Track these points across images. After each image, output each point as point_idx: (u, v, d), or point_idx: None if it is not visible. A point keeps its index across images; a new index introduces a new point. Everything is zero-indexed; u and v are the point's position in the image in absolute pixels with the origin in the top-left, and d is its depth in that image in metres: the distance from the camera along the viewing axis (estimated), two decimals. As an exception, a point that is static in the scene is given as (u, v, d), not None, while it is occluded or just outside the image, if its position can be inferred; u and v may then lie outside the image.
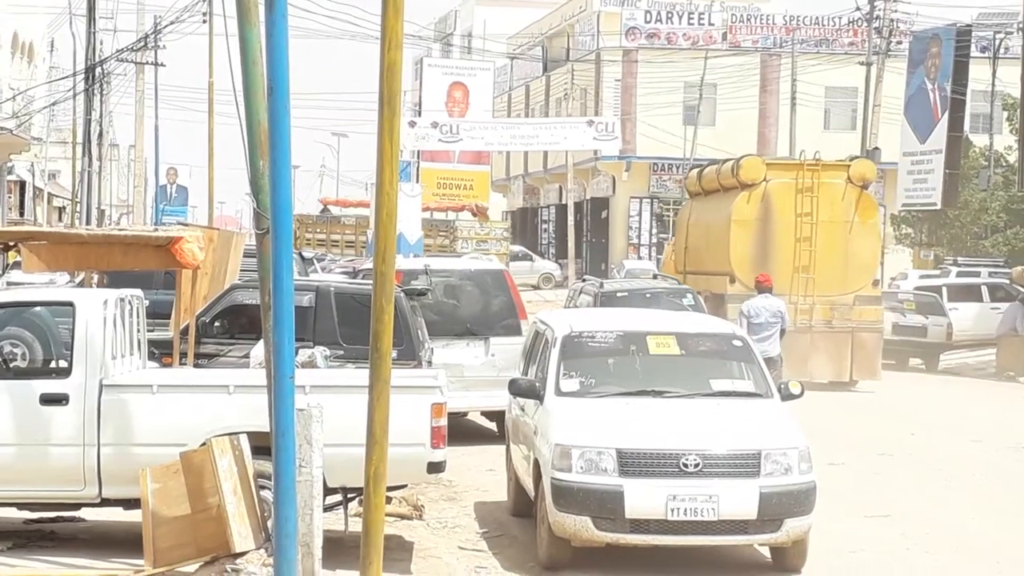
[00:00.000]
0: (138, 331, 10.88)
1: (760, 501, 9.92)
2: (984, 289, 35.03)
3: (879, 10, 44.69)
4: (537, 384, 11.17)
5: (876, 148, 43.16)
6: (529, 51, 70.08)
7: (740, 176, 24.67)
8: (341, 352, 13.72)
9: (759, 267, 22.64)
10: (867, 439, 18.04)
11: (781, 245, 23.97)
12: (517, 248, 63.12)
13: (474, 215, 47.79)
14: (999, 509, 13.27)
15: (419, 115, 58.66)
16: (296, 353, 10.93)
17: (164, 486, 9.23)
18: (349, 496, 10.16)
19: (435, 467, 10.08)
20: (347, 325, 14.19)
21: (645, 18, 58.80)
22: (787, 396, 11.06)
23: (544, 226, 68.68)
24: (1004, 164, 44.87)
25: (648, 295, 21.19)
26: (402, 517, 11.71)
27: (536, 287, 50.88)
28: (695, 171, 29.60)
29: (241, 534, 8.98)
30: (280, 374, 7.18)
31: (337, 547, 9.71)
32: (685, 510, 9.87)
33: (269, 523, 8.59)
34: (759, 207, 24.24)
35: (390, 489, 9.62)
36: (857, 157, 30.08)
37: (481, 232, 46.27)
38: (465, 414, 17.40)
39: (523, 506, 11.76)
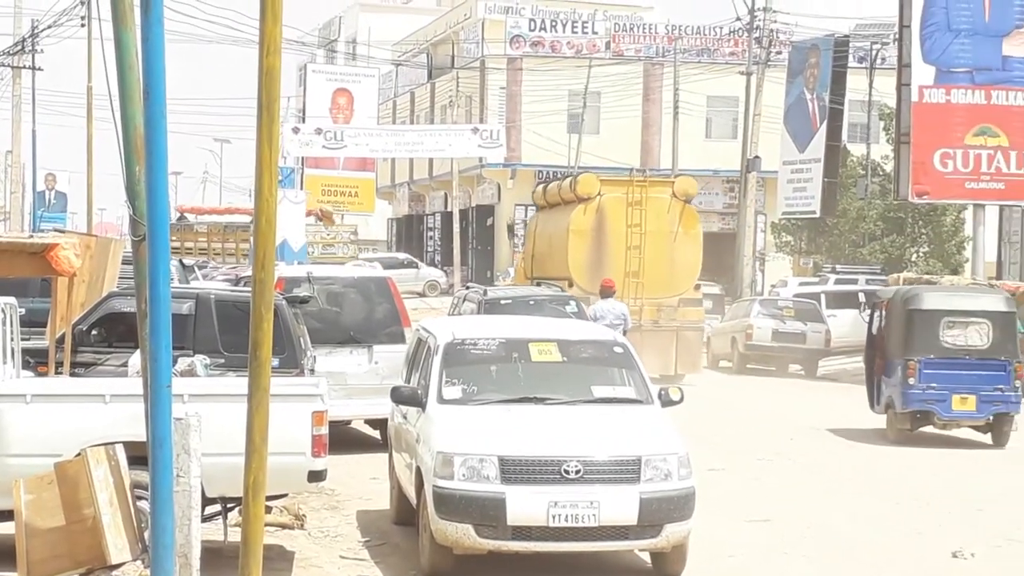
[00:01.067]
0: (12, 339, 10.68)
1: (640, 507, 9.99)
2: (861, 296, 35.67)
3: (759, 20, 45.28)
4: (419, 392, 11.15)
5: (757, 157, 43.71)
6: (414, 58, 70.02)
7: (577, 191, 26.93)
8: (222, 360, 13.57)
9: (595, 273, 24.94)
10: (747, 444, 18.27)
11: (614, 253, 26.27)
12: (403, 255, 63.02)
13: (319, 219, 47.74)
14: (875, 511, 13.50)
15: (303, 121, 58.33)
16: (175, 362, 10.81)
17: (38, 497, 9.06)
18: (228, 506, 10.06)
19: (316, 476, 10.02)
20: (228, 333, 14.04)
21: (529, 26, 59.05)
22: (667, 402, 11.15)
23: (430, 233, 68.63)
24: (881, 173, 45.69)
25: (531, 302, 21.27)
26: (283, 527, 11.62)
27: (422, 294, 50.83)
28: (541, 186, 31.49)
29: (117, 546, 8.84)
30: (157, 383, 7.07)
31: (216, 557, 9.60)
32: (566, 516, 9.91)
33: (146, 534, 8.47)
34: (594, 219, 26.62)
35: (270, 499, 9.56)
36: (681, 174, 32.54)
37: (327, 236, 46.70)
38: (348, 422, 17.31)
39: (406, 514, 11.72)
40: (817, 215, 41.80)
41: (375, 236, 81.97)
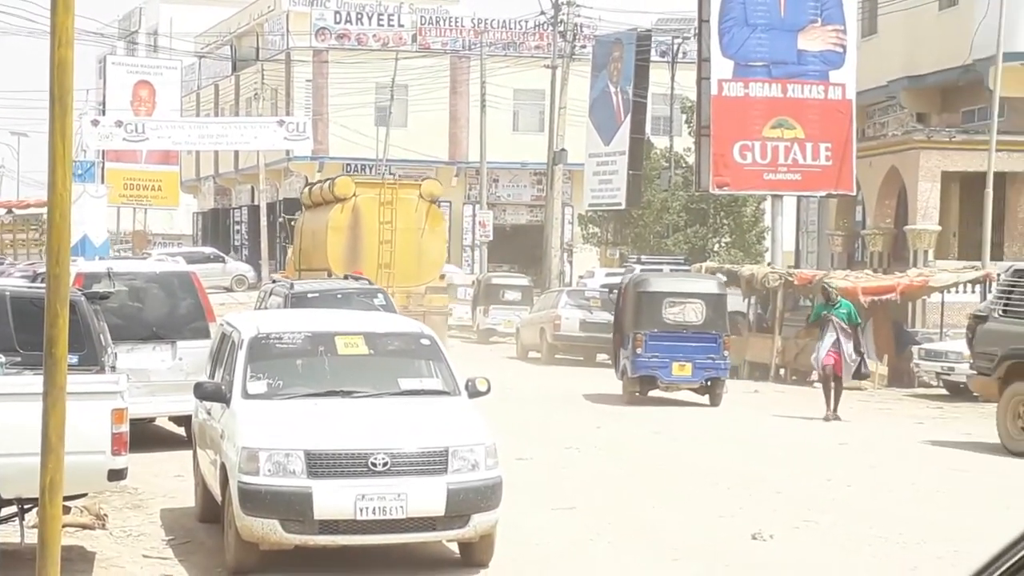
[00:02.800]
0: None
1: (448, 498, 10.02)
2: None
3: (563, 15, 45.75)
4: (223, 387, 11.01)
5: (563, 149, 44.22)
6: (218, 50, 69.01)
7: (335, 192, 30.08)
8: (19, 359, 13.17)
9: (350, 264, 27.94)
10: (555, 433, 18.48)
11: (368, 247, 29.36)
12: (208, 250, 62.09)
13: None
14: (677, 496, 13.78)
15: (103, 114, 57.08)
16: (-32, 361, 10.51)
17: None
18: (25, 507, 9.81)
19: (116, 474, 9.82)
20: (25, 331, 13.61)
21: (335, 19, 58.69)
22: (474, 393, 11.20)
23: (237, 227, 67.78)
24: (684, 165, 46.61)
25: (339, 296, 21.17)
26: (83, 527, 11.37)
27: (229, 289, 50.17)
28: (307, 188, 34.40)
29: (-92, 551, 8.55)
30: (-54, 382, 6.87)
31: (14, 560, 9.37)
32: (374, 509, 9.90)
33: (-62, 539, 8.21)
34: (350, 216, 29.64)
35: (69, 499, 9.34)
36: (427, 178, 35.21)
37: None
38: (152, 420, 17.01)
39: (211, 512, 11.57)
40: (623, 207, 42.49)
41: (180, 231, 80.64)
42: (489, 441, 10.39)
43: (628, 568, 10.62)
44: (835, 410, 20.75)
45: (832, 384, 20.83)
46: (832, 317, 20.76)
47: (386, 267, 29.11)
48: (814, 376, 27.07)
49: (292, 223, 35.61)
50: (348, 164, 57.92)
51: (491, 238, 51.12)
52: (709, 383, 22.25)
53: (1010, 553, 3.98)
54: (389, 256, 29.31)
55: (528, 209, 59.29)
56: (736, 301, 31.39)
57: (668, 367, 21.93)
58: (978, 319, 18.35)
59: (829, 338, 20.67)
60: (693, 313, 22.33)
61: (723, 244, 46.80)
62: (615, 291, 25.00)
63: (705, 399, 22.46)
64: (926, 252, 32.82)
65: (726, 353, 22.42)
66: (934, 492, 14.41)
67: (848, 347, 20.68)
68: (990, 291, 24.42)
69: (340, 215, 29.77)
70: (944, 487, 14.74)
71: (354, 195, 29.76)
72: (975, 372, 18.62)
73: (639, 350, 21.97)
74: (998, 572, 4.34)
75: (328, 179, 32.86)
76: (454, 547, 10.81)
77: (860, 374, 21.59)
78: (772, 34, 32.78)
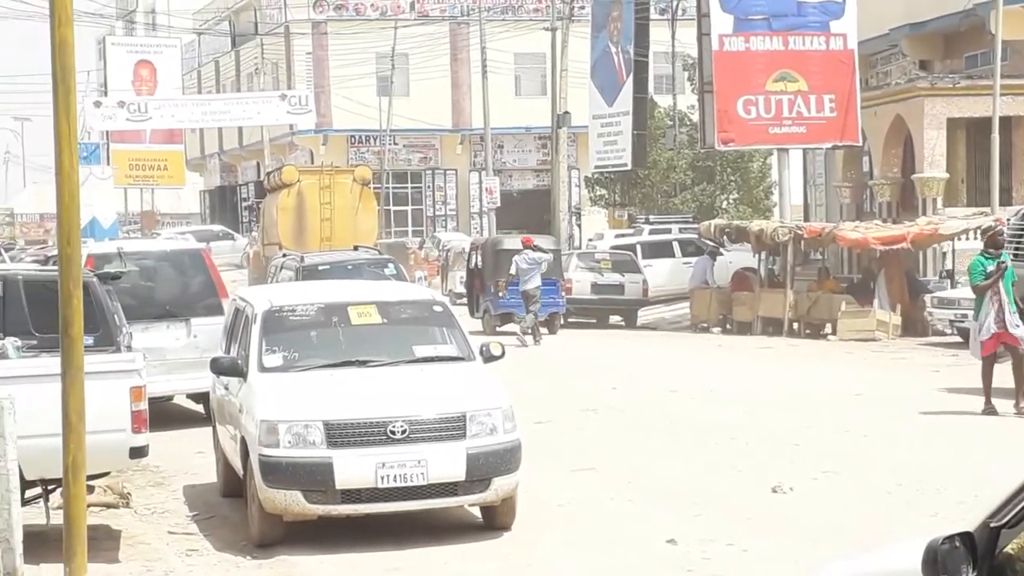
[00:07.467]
0: None
1: (468, 462, 10.07)
2: (676, 245, 36.30)
3: (562, -24, 45.52)
4: (239, 361, 11.05)
5: (567, 112, 44.06)
6: (216, 26, 68.85)
7: (282, 179, 35.44)
8: (35, 342, 13.22)
9: (298, 239, 33.29)
10: (572, 396, 18.52)
11: (311, 224, 34.28)
12: (217, 227, 62.14)
13: None
14: (696, 453, 13.81)
15: (105, 95, 57.03)
16: (-15, 346, 10.56)
17: None
18: (49, 488, 9.86)
19: (137, 452, 9.88)
20: (39, 314, 13.64)
21: (333, -10, 58.43)
22: (489, 358, 11.23)
23: (244, 203, 67.74)
24: (688, 123, 46.42)
25: (350, 267, 21.20)
26: (107, 506, 11.43)
27: (240, 266, 50.18)
28: (267, 175, 40.25)
29: (-65, 536, 8.60)
30: (-35, 367, 6.90)
31: (41, 541, 9.43)
32: (395, 476, 9.95)
33: (-36, 523, 8.26)
34: (296, 199, 34.65)
35: (92, 478, 9.40)
36: (359, 165, 39.85)
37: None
38: (170, 398, 17.07)
39: (233, 486, 11.62)
40: (629, 167, 42.32)
41: (188, 209, 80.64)
42: (506, 405, 10.42)
43: (651, 525, 10.66)
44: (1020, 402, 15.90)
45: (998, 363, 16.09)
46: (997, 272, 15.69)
47: (327, 240, 33.22)
48: (827, 329, 27.14)
49: (259, 205, 40.29)
50: (352, 135, 57.88)
51: (498, 204, 51.06)
52: (550, 316, 28.05)
53: None
54: (329, 231, 33.88)
55: (534, 174, 59.16)
56: (746, 257, 31.39)
57: (521, 306, 26.89)
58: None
59: (994, 305, 15.66)
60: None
61: (731, 201, 46.67)
62: (472, 249, 32.21)
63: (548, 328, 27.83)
64: (935, 200, 32.71)
65: (563, 294, 28.89)
66: (952, 438, 14.43)
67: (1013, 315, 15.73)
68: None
69: (288, 198, 34.85)
70: (962, 433, 14.75)
71: (298, 181, 34.87)
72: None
73: (501, 294, 28.15)
74: (1019, 507, 4.37)
75: (276, 168, 39.49)
76: (476, 511, 10.86)
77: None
78: (771, -13, 32.61)
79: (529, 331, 26.10)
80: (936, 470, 12.46)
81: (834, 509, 11.07)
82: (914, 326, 26.87)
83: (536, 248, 27.22)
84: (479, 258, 30.15)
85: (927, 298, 26.41)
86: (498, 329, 27.87)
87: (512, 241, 29.88)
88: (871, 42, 36.32)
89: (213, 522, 11.35)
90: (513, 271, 26.86)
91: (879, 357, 23.40)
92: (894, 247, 27.05)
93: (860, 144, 34.38)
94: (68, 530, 7.17)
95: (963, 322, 24.82)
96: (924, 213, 31.40)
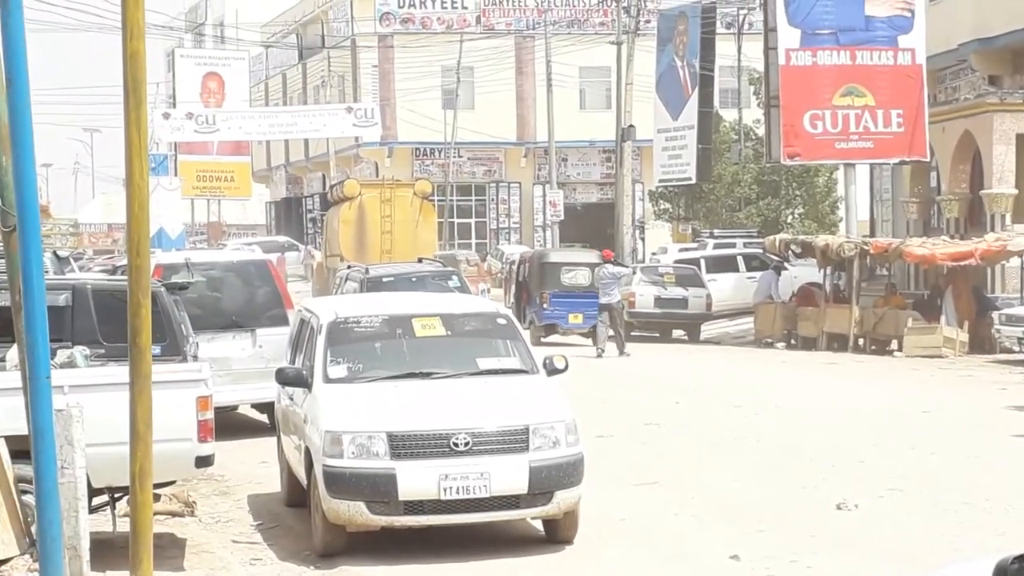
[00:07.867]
0: None
1: (530, 475, 10.06)
2: (740, 259, 36.17)
3: (627, -10, 45.48)
4: (304, 372, 11.11)
5: (631, 126, 44.00)
6: (284, 39, 69.37)
7: (344, 193, 35.97)
8: (102, 351, 13.34)
9: (359, 251, 33.77)
10: (634, 410, 18.46)
11: (372, 237, 34.71)
12: (283, 239, 62.56)
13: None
14: (759, 469, 13.72)
15: (173, 107, 57.56)
16: (54, 354, 10.65)
17: (-81, 498, 8.88)
18: (116, 496, 9.95)
19: (203, 461, 9.95)
20: (107, 323, 13.78)
21: (399, 3, 58.74)
22: (552, 371, 11.22)
23: (309, 215, 68.14)
24: (754, 137, 46.25)
25: (414, 279, 21.27)
26: (173, 514, 11.51)
27: (304, 277, 50.45)
28: (330, 188, 41.36)
29: (3, 540, 8.70)
30: (35, 375, 6.97)
31: (107, 548, 9.51)
32: (457, 488, 9.96)
33: (33, 528, 8.35)
34: (357, 212, 35.21)
35: (158, 486, 9.46)
36: (420, 179, 40.82)
37: (44, 228, 49.65)
38: (235, 408, 17.17)
39: (297, 496, 11.68)
40: (693, 181, 42.22)
41: (254, 221, 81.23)
42: (569, 418, 10.41)
43: (714, 541, 10.61)
44: None
45: None
46: None
47: (387, 252, 33.73)
48: (893, 346, 26.91)
49: (324, 217, 40.67)
50: (417, 148, 58.10)
51: (562, 217, 51.06)
52: (591, 329, 27.87)
53: None
54: (390, 243, 34.41)
55: (598, 187, 59.14)
56: (811, 272, 31.20)
57: (565, 317, 29.03)
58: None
59: None
60: (583, 278, 29.39)
61: (796, 215, 46.43)
62: (519, 263, 32.73)
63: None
64: (1003, 216, 32.36)
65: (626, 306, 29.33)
66: (1020, 457, 14.26)
67: None
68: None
69: (349, 211, 35.41)
70: (1030, 452, 14.57)
71: (360, 194, 35.41)
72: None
73: (545, 305, 29.30)
74: None
75: (339, 181, 40.31)
76: (539, 525, 10.85)
77: None
78: (839, 1, 32.43)
79: (617, 344, 26.25)
80: (1004, 489, 12.31)
81: (900, 527, 10.96)
82: (981, 343, 26.59)
83: (616, 262, 27.73)
84: (526, 271, 30.97)
85: (995, 315, 26.13)
86: (542, 340, 28.55)
87: (558, 255, 31.57)
88: (939, 57, 36.01)
89: (277, 532, 11.41)
90: (588, 283, 28.38)
91: (946, 374, 23.17)
92: (962, 263, 26.80)
93: (928, 160, 34.08)
94: (134, 538, 7.21)
95: (1032, 340, 24.54)
96: (992, 229, 31.06)
